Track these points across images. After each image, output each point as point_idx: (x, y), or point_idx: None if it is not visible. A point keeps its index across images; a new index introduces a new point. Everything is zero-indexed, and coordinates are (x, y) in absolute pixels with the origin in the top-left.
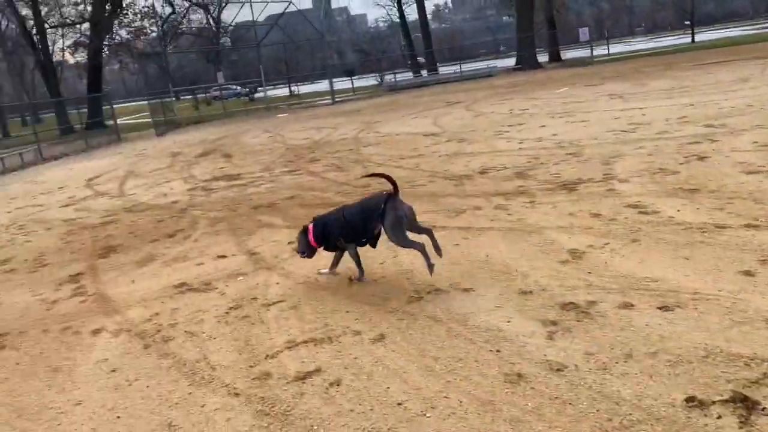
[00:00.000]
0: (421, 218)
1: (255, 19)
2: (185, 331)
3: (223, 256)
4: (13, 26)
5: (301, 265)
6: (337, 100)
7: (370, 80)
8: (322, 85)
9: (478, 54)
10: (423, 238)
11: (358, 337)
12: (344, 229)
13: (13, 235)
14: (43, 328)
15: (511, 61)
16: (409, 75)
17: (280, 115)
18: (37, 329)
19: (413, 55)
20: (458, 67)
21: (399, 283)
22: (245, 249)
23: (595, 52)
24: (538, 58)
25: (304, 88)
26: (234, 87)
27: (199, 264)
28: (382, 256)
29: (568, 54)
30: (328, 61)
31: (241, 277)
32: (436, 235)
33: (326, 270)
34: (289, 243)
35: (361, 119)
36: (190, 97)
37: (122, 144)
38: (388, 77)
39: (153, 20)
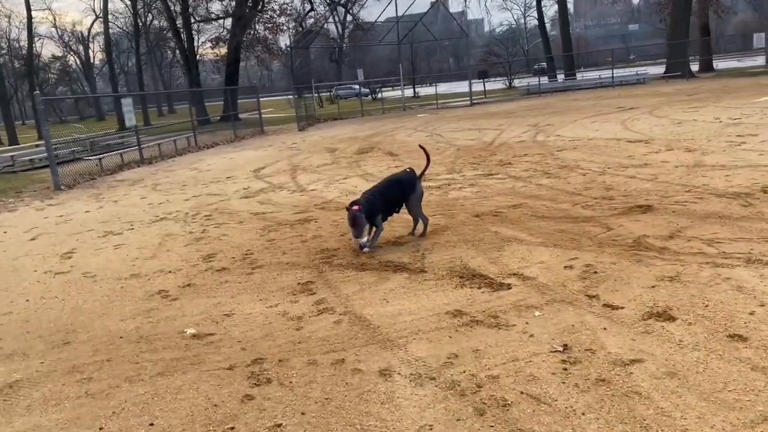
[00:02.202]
0: None
1: (397, 16)
2: (521, 393)
3: (485, 277)
4: (157, 21)
5: (620, 300)
6: (474, 102)
7: (497, 83)
8: (442, 88)
9: (603, 62)
10: None
11: None
12: (386, 205)
13: (204, 226)
14: (308, 358)
15: (641, 70)
16: (536, 79)
17: (420, 115)
18: (300, 358)
19: (550, 58)
20: (596, 73)
21: None
22: (507, 270)
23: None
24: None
25: (423, 90)
26: (355, 87)
27: (459, 285)
28: None
29: (720, 64)
30: (467, 62)
31: (537, 312)
32: None
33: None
34: (565, 267)
35: (524, 122)
36: (309, 95)
37: (266, 137)
38: (525, 81)
39: (290, 17)
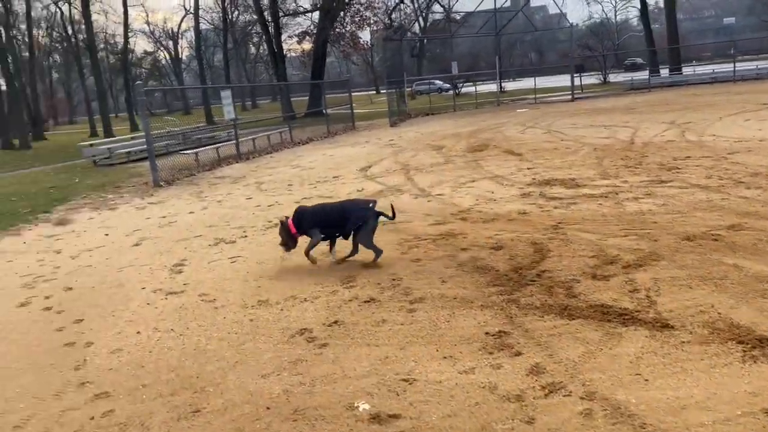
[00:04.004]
0: None
1: (495, 7)
2: None
3: None
4: (243, 17)
5: None
6: (576, 96)
7: (590, 78)
8: (527, 83)
9: (700, 57)
10: None
11: None
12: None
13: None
14: None
15: (762, 64)
16: (628, 75)
17: (519, 110)
18: None
19: (654, 52)
20: (709, 68)
21: None
22: None
23: None
24: None
25: (509, 85)
26: (437, 81)
27: (748, 357)
28: None
29: None
30: (569, 55)
31: None
32: None
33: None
34: None
35: (654, 118)
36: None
37: (358, 132)
38: (619, 76)
39: (378, 10)
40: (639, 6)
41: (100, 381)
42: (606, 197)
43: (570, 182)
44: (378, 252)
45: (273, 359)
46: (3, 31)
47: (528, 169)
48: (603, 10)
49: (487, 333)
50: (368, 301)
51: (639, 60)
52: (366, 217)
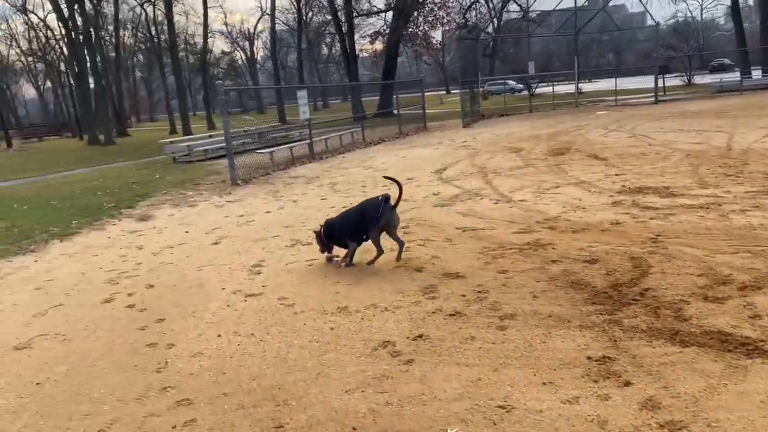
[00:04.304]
0: None
1: (576, 5)
2: None
3: None
4: (317, 18)
5: None
6: (660, 99)
7: (672, 80)
8: (602, 84)
9: None
10: None
11: None
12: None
13: (405, 242)
14: None
15: None
16: (713, 76)
17: (599, 113)
18: None
19: (745, 52)
20: None
21: None
22: None
23: None
24: None
25: (586, 86)
26: (510, 81)
27: None
28: None
29: None
30: (654, 55)
31: None
32: None
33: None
34: None
35: (750, 123)
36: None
37: (430, 133)
38: (706, 78)
39: (452, 9)
40: (729, 3)
41: (182, 386)
42: (707, 208)
43: (664, 191)
44: (380, 252)
45: (356, 373)
46: (93, 32)
47: (616, 175)
48: (688, 8)
49: (589, 357)
50: (453, 315)
51: (726, 61)
52: (377, 212)
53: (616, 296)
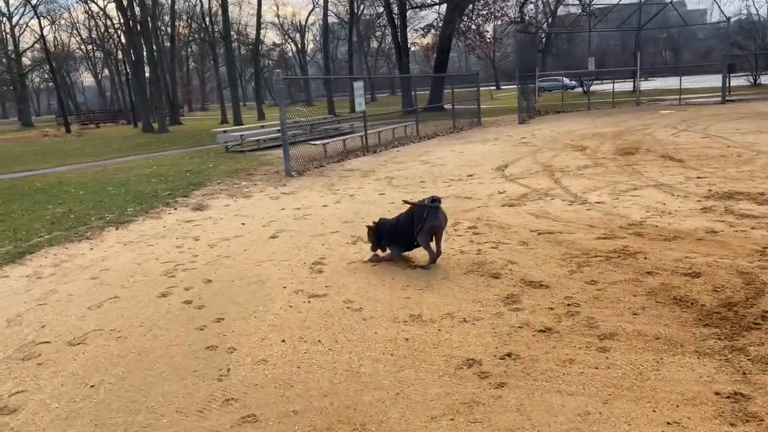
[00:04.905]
0: None
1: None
2: None
3: None
4: (368, 11)
5: None
6: (728, 99)
7: (737, 80)
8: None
9: None
10: None
11: None
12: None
13: (475, 243)
14: None
15: None
16: None
17: (663, 112)
18: None
19: None
20: None
21: None
22: None
23: None
24: None
25: (643, 84)
26: (564, 78)
27: None
28: None
29: None
30: (724, 53)
31: None
32: None
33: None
34: None
35: None
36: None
37: (485, 128)
38: None
39: (506, 3)
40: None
41: (246, 399)
42: None
43: (760, 197)
44: (432, 255)
45: (441, 396)
46: (150, 22)
47: (698, 178)
48: (754, 5)
49: (717, 393)
50: (544, 331)
51: None
52: (423, 215)
53: (733, 318)
